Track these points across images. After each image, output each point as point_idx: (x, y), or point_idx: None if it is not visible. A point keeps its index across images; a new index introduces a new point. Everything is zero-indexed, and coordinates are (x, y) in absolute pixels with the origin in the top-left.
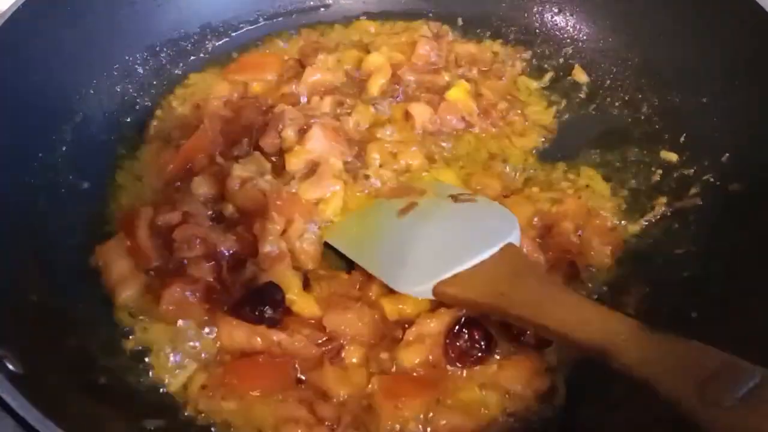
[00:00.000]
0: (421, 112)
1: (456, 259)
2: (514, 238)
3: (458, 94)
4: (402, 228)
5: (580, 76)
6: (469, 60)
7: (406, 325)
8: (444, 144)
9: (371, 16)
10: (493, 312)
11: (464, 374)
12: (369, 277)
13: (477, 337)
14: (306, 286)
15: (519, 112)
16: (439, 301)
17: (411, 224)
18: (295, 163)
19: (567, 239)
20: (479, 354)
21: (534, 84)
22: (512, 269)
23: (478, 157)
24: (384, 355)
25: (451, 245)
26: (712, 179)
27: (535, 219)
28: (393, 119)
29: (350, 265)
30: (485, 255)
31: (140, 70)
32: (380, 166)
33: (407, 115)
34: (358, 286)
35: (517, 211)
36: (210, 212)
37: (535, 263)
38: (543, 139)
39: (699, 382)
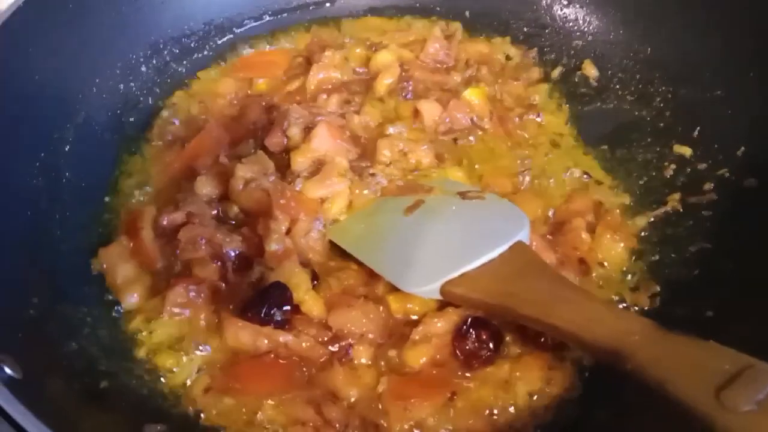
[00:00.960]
0: (430, 109)
1: (463, 258)
2: (524, 236)
3: (476, 95)
4: (408, 226)
5: (590, 70)
6: (479, 60)
7: (416, 321)
8: (454, 143)
9: (377, 11)
10: (502, 312)
11: (476, 374)
12: (376, 273)
13: (485, 337)
14: (315, 281)
15: (532, 117)
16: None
17: (418, 222)
18: (300, 162)
19: (578, 236)
20: (487, 354)
21: (545, 86)
22: (521, 268)
23: (489, 157)
24: (392, 353)
25: (458, 244)
26: (727, 174)
27: (547, 215)
28: (402, 117)
29: None
30: (494, 254)
31: (144, 69)
32: (389, 164)
33: (416, 113)
34: (365, 281)
35: (527, 207)
36: (214, 212)
37: (546, 261)
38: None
39: (715, 386)
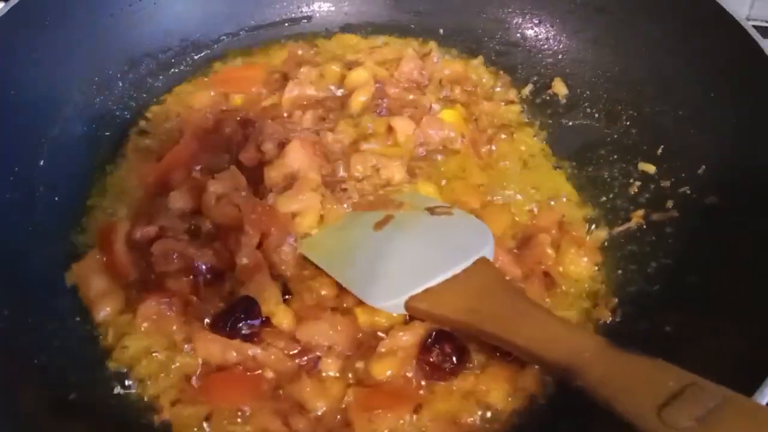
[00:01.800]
0: (403, 126)
1: (428, 273)
2: (488, 251)
3: (450, 116)
4: (376, 241)
5: (560, 88)
6: (453, 80)
7: (382, 335)
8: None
9: (354, 28)
10: (464, 328)
11: (441, 386)
12: None
13: (449, 350)
14: (287, 293)
15: (504, 137)
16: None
17: (385, 238)
18: (272, 176)
19: (543, 251)
20: (451, 367)
21: (516, 106)
22: (484, 284)
23: (460, 174)
24: (360, 365)
25: (423, 260)
26: (688, 191)
27: (513, 230)
28: (376, 133)
29: None
30: (457, 269)
31: (120, 83)
32: (361, 179)
33: (390, 129)
34: (336, 293)
35: (494, 221)
36: (187, 226)
37: (508, 278)
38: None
39: (658, 403)
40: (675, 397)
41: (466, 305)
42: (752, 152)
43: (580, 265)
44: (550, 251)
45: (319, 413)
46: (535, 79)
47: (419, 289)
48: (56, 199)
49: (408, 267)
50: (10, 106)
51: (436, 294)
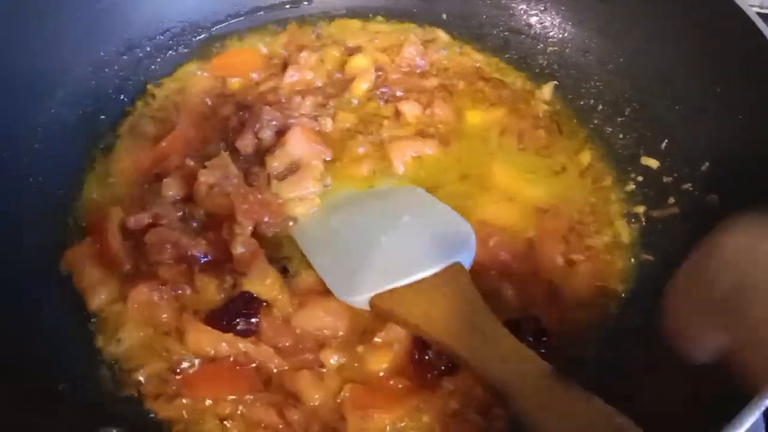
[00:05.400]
0: (410, 108)
1: (396, 273)
2: (465, 257)
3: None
4: (353, 233)
5: (547, 92)
6: (458, 73)
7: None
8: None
9: (355, 12)
10: (419, 333)
11: (440, 387)
12: None
13: None
14: (285, 273)
15: None
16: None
17: (363, 230)
18: (274, 166)
19: (550, 258)
20: (445, 366)
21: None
22: (448, 292)
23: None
24: (360, 349)
25: (394, 258)
26: (690, 188)
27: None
28: (387, 117)
29: None
30: (426, 273)
31: (116, 66)
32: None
33: (398, 114)
34: None
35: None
36: (180, 213)
37: (474, 290)
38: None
39: None
40: None
41: (423, 310)
42: (756, 150)
43: (587, 277)
44: (558, 259)
45: (315, 404)
46: (540, 66)
47: (384, 288)
48: (49, 185)
49: (377, 264)
50: (1, 90)
51: (400, 295)
